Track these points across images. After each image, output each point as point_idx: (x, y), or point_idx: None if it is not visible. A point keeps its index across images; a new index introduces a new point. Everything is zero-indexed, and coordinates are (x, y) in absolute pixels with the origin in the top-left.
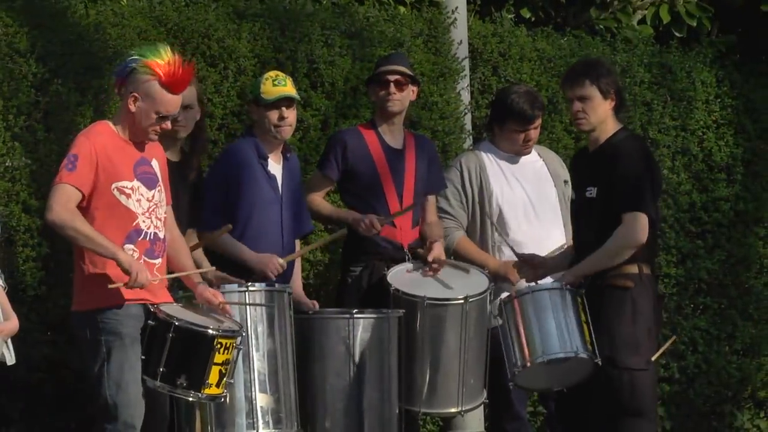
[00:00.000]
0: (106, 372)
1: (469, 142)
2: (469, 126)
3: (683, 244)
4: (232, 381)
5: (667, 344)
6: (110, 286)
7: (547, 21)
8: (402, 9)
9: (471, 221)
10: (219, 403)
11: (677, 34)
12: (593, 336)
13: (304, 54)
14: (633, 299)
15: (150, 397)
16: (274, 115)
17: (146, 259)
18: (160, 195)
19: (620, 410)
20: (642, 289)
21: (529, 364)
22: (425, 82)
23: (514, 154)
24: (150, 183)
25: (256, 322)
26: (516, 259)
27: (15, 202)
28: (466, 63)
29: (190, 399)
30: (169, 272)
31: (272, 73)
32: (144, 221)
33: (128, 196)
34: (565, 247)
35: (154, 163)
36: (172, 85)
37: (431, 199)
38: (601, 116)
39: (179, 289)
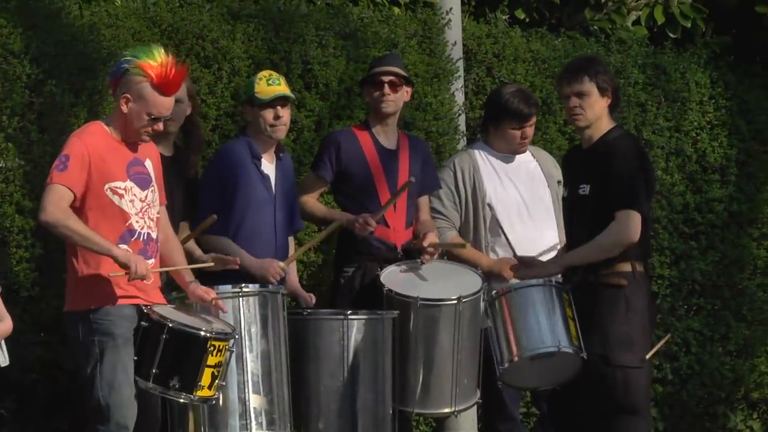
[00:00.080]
0: (99, 373)
1: (463, 143)
2: (463, 127)
3: (677, 245)
4: (224, 383)
5: (662, 342)
6: (111, 275)
7: (541, 22)
8: (396, 10)
9: (464, 221)
10: (211, 404)
11: (671, 35)
12: (580, 332)
13: (298, 55)
14: (626, 297)
15: (142, 399)
16: (269, 114)
17: None
18: (153, 195)
19: (615, 408)
20: (635, 287)
21: (513, 360)
22: (419, 83)
23: (509, 154)
24: (143, 183)
25: (249, 322)
26: (511, 257)
27: (8, 203)
28: (461, 64)
29: (182, 401)
30: (169, 262)
31: (265, 73)
32: (137, 221)
33: (121, 196)
34: (560, 248)
35: (148, 163)
36: (164, 86)
37: (424, 199)
38: (597, 113)
39: (172, 290)
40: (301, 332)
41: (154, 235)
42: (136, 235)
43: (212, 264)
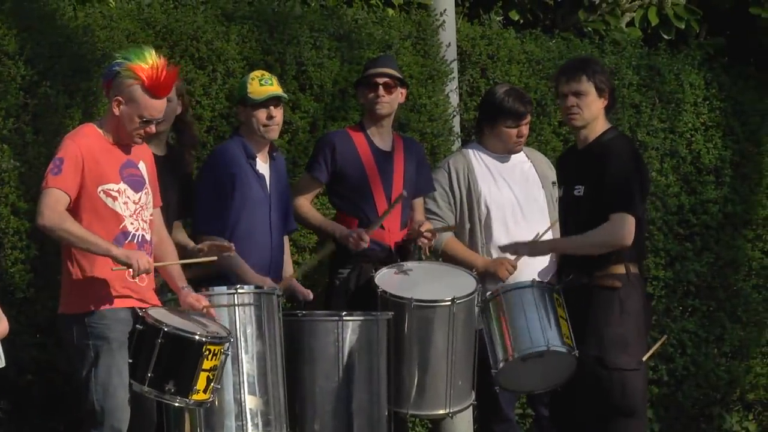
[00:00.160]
0: (94, 376)
1: (457, 144)
2: (457, 128)
3: (672, 247)
4: (219, 386)
5: (658, 344)
6: (113, 268)
7: (535, 23)
8: (390, 11)
9: (459, 222)
10: (206, 408)
11: (665, 37)
12: (572, 331)
13: (292, 56)
14: (621, 299)
15: (137, 401)
16: (262, 114)
17: None
18: (147, 197)
19: (611, 410)
20: (630, 289)
21: (506, 361)
22: (414, 84)
23: (505, 154)
24: (136, 185)
25: (245, 324)
26: (506, 257)
27: (4, 204)
28: (455, 65)
29: (178, 405)
30: (161, 272)
31: (258, 73)
32: (131, 223)
33: (114, 198)
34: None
35: (141, 166)
36: (155, 89)
37: (419, 201)
38: (594, 113)
39: (168, 291)
40: (296, 333)
41: (148, 237)
42: (130, 237)
43: (214, 258)
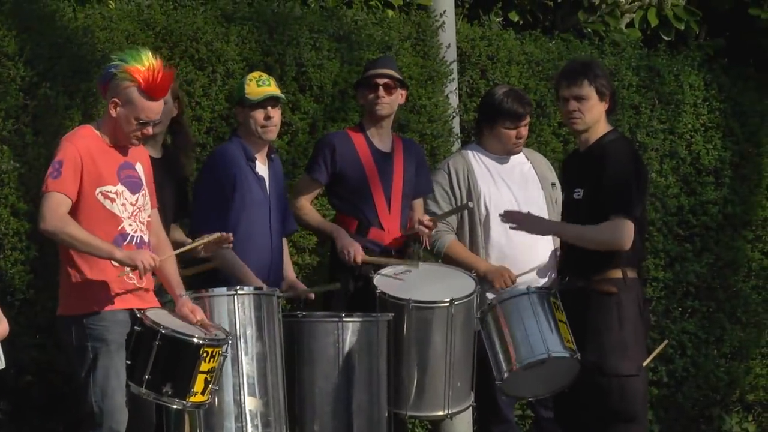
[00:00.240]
0: (92, 378)
1: (457, 145)
2: (457, 129)
3: (671, 248)
4: (217, 388)
5: (659, 348)
6: (120, 274)
7: (535, 24)
8: (390, 12)
9: (459, 224)
10: (204, 409)
11: (665, 38)
12: (572, 333)
13: (292, 57)
14: (618, 304)
15: (136, 403)
16: (259, 115)
17: None
18: (144, 199)
19: (612, 415)
20: (626, 293)
21: (511, 371)
22: (413, 85)
23: (504, 155)
24: (134, 187)
25: (244, 325)
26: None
27: (3, 205)
28: (455, 66)
29: (176, 407)
30: (160, 277)
31: (255, 74)
32: (130, 225)
33: (112, 200)
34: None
35: (138, 167)
36: (151, 91)
37: (419, 201)
38: (595, 117)
39: (167, 292)
40: (296, 335)
41: (146, 239)
42: (128, 239)
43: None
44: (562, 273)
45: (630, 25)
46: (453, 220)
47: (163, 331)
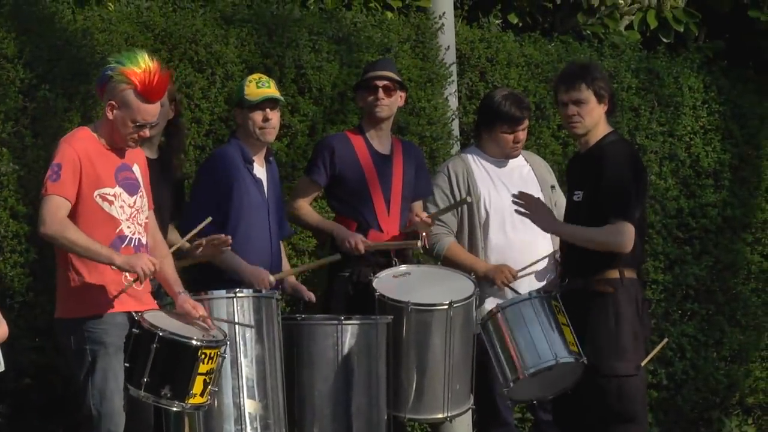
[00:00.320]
0: (91, 381)
1: (456, 147)
2: (456, 131)
3: (671, 250)
4: (216, 389)
5: (657, 348)
6: (125, 287)
7: (534, 26)
8: (389, 14)
9: (459, 226)
10: (204, 411)
11: (664, 40)
12: (575, 336)
13: (291, 59)
14: (615, 305)
15: (134, 406)
16: (258, 116)
17: None
18: (142, 201)
19: (611, 416)
20: (624, 294)
21: (517, 380)
22: (413, 87)
23: (502, 158)
24: (131, 189)
25: (244, 328)
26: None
27: (3, 207)
28: (454, 68)
29: (174, 409)
30: (158, 276)
31: (255, 76)
32: (128, 227)
33: (111, 203)
34: (552, 251)
35: (135, 168)
36: (148, 93)
37: (418, 204)
38: (595, 120)
39: (167, 295)
40: (295, 337)
41: (144, 241)
42: (126, 242)
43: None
44: (563, 275)
45: (629, 27)
46: (453, 222)
47: (160, 334)
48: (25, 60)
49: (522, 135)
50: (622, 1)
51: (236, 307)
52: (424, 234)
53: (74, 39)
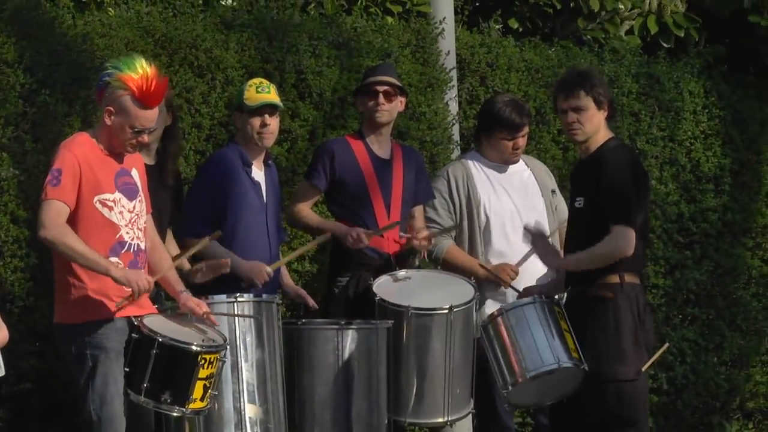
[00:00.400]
0: (91, 386)
1: (457, 152)
2: (456, 136)
3: (671, 255)
4: (216, 393)
5: (658, 353)
6: (117, 307)
7: (534, 31)
8: (390, 19)
9: (458, 230)
10: (204, 415)
11: (665, 45)
12: (577, 343)
13: (291, 64)
14: (615, 310)
15: (135, 411)
16: (256, 121)
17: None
18: (141, 205)
19: (612, 421)
20: (624, 298)
21: (516, 383)
22: (413, 92)
23: (502, 164)
24: (131, 194)
25: (244, 332)
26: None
27: (3, 212)
28: (454, 73)
29: (175, 414)
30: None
31: (256, 80)
32: (127, 233)
33: (110, 208)
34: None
35: (134, 173)
36: (145, 99)
37: (419, 208)
38: (595, 126)
39: (166, 299)
40: (295, 342)
41: (143, 246)
42: (126, 247)
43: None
44: (566, 282)
45: (630, 32)
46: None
47: (160, 339)
48: (25, 65)
49: (521, 141)
50: (623, 6)
51: (237, 312)
52: (421, 249)
53: (74, 44)
